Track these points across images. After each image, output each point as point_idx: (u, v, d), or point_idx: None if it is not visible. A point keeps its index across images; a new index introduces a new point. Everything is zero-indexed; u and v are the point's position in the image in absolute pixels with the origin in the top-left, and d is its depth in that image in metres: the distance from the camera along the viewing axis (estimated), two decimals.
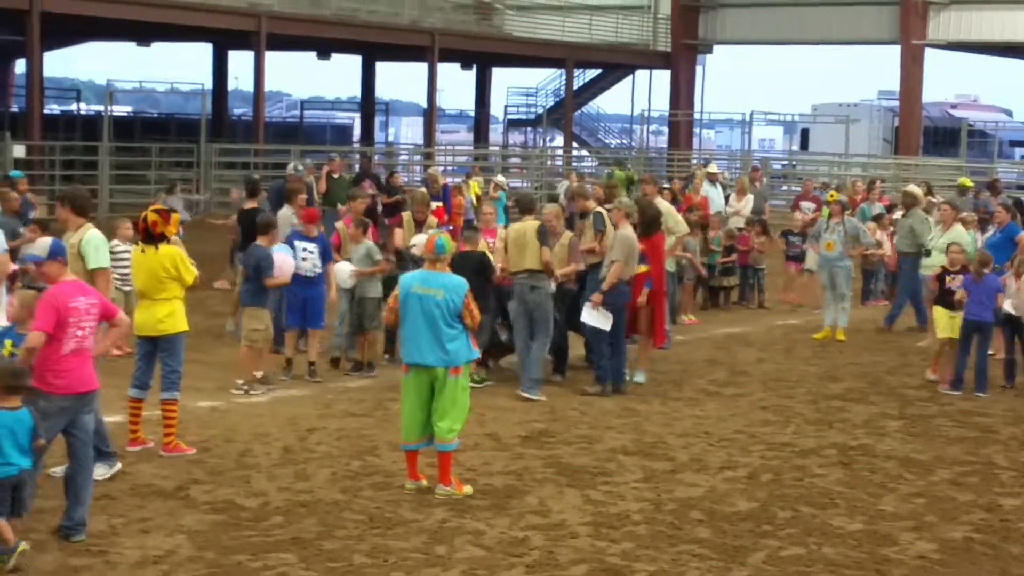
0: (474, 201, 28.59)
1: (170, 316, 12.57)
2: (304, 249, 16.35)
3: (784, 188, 49.02)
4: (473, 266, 15.32)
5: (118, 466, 11.74)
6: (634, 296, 16.34)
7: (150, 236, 12.61)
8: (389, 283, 16.04)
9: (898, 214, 23.35)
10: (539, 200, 25.57)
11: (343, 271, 16.64)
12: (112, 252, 16.99)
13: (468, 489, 11.64)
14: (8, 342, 10.09)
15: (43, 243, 10.29)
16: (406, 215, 18.29)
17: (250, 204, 19.16)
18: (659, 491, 11.89)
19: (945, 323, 17.25)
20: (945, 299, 17.26)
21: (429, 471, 11.80)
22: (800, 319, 22.71)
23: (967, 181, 29.43)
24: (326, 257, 16.53)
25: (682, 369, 17.89)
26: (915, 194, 22.19)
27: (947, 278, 17.38)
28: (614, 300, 15.95)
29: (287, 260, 15.79)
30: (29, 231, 16.96)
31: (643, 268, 16.34)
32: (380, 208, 25.74)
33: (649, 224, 16.71)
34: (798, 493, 11.97)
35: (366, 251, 16.89)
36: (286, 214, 18.27)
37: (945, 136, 61.84)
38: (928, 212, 22.17)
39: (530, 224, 16.19)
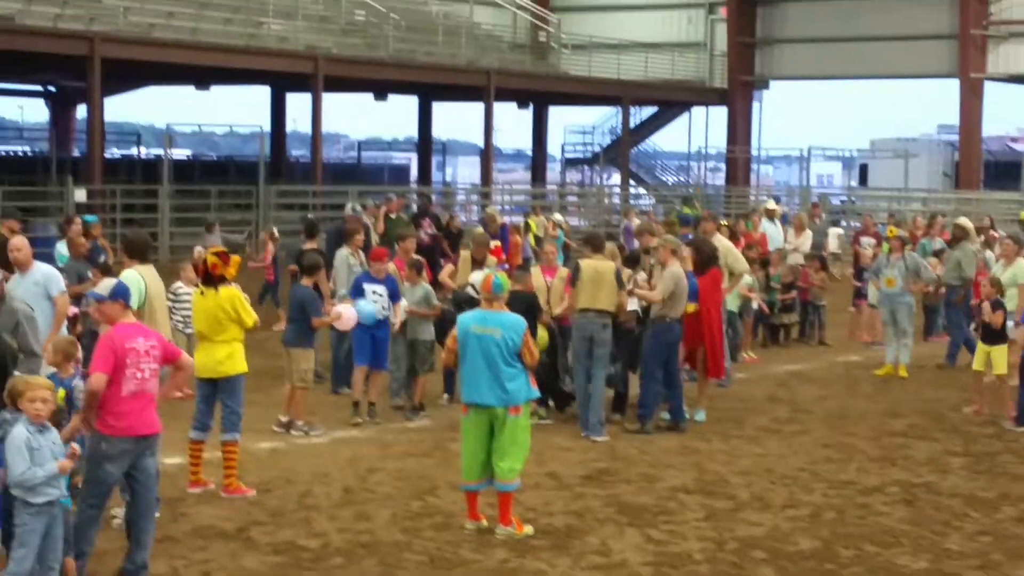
0: (532, 241, 28.59)
1: (230, 358, 12.64)
2: (373, 292, 16.31)
3: (844, 224, 48.75)
4: (522, 306, 15.32)
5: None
6: (686, 336, 16.32)
7: (210, 278, 12.68)
8: (442, 326, 16.06)
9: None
10: None
11: (349, 314, 15.94)
12: (174, 294, 17.22)
13: (529, 529, 11.61)
14: (61, 391, 10.12)
15: (107, 283, 10.37)
16: (464, 254, 18.31)
17: (309, 245, 19.28)
18: (721, 530, 11.82)
19: (980, 356, 17.34)
20: (983, 331, 17.27)
21: (489, 511, 11.78)
22: (861, 356, 22.55)
23: None
24: (395, 298, 16.51)
25: (743, 407, 17.79)
26: (965, 227, 22.08)
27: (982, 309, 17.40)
28: (664, 338, 15.92)
29: (351, 312, 15.77)
30: (93, 275, 17.11)
31: (692, 307, 16.31)
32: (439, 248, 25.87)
33: (705, 262, 16.71)
34: (861, 531, 11.86)
35: (424, 295, 16.87)
36: (343, 255, 18.34)
37: (1006, 170, 61.38)
38: (990, 246, 21.98)
39: (607, 265, 16.18)
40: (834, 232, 31.26)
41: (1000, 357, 17.19)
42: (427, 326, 16.85)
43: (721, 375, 17.37)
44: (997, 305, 17.27)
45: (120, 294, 10.27)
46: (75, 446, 9.37)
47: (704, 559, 10.97)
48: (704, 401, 16.92)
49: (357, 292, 16.21)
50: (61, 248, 19.29)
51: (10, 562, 9.09)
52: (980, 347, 17.39)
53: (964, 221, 23.14)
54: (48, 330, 13.60)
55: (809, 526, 12.02)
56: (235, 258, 13.02)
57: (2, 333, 10.79)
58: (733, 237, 23.67)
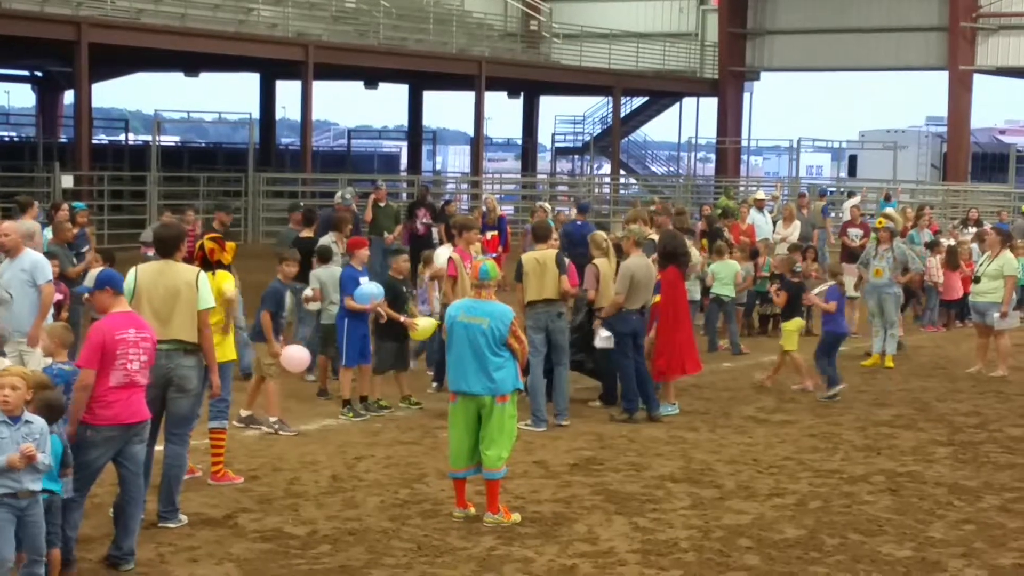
0: None
1: (218, 345, 12.62)
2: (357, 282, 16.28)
3: (832, 215, 48.83)
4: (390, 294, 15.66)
5: None
6: (649, 327, 16.40)
7: (207, 264, 12.61)
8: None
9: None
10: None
11: (293, 357, 15.00)
12: None
13: (516, 517, 11.64)
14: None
15: (93, 274, 10.32)
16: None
17: (306, 233, 19.27)
18: (707, 518, 11.86)
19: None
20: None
21: (477, 499, 11.81)
22: (848, 346, 22.57)
23: None
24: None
25: (730, 396, 17.85)
26: (894, 218, 22.20)
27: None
28: (621, 327, 15.95)
29: (296, 355, 15.01)
30: (93, 260, 17.11)
31: (657, 299, 16.34)
32: (436, 238, 25.78)
33: (666, 257, 16.60)
34: (846, 520, 11.92)
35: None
36: (327, 242, 18.33)
37: (994, 162, 61.56)
38: (982, 239, 22.03)
39: (548, 254, 16.07)
40: (849, 204, 31.16)
41: (789, 332, 18.70)
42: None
43: (669, 378, 16.76)
44: (784, 285, 19.08)
45: (106, 281, 10.20)
46: (29, 445, 8.89)
47: (690, 547, 11.01)
48: (670, 395, 16.79)
49: (352, 285, 16.06)
50: (47, 234, 19.27)
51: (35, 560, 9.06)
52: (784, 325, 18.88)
53: (892, 212, 23.29)
54: (33, 317, 13.64)
55: (795, 514, 12.07)
56: (231, 244, 13.02)
57: None
58: (712, 228, 23.75)
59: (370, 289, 15.86)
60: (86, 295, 10.48)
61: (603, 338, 15.99)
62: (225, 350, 12.61)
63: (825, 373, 18.02)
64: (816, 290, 19.27)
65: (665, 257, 16.53)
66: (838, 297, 18.44)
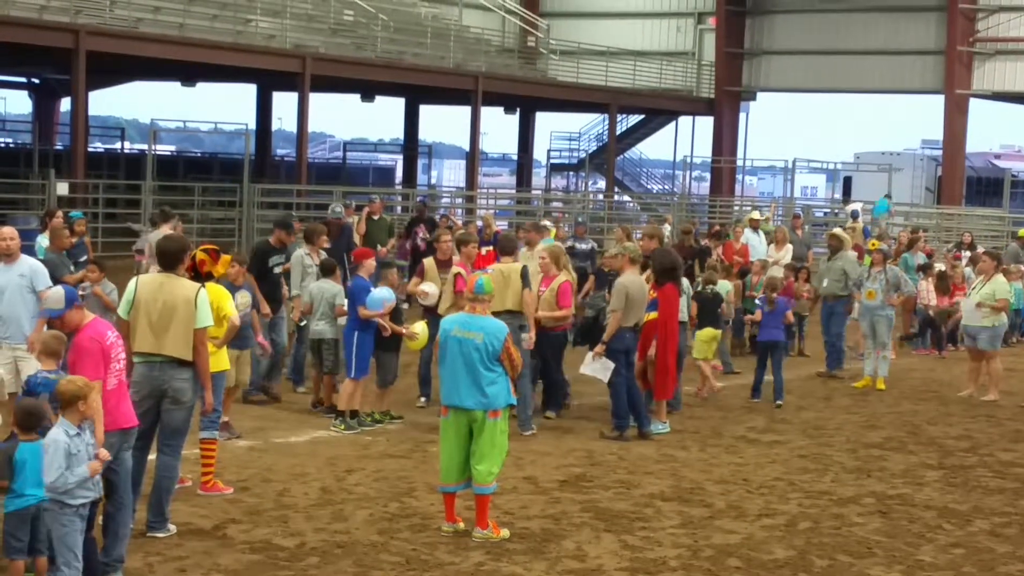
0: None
1: (212, 355, 12.60)
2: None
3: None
4: None
5: None
6: (642, 345, 16.41)
7: (197, 275, 12.59)
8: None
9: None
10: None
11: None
12: None
13: (505, 533, 11.63)
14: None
15: (56, 295, 10.23)
16: (428, 261, 18.05)
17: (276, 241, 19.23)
18: (696, 537, 11.86)
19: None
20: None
21: (467, 514, 11.80)
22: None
23: None
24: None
25: (721, 416, 17.85)
26: (841, 237, 22.39)
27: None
28: (615, 344, 15.99)
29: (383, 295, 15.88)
30: (88, 271, 17.08)
31: (652, 315, 16.37)
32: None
33: (661, 274, 16.61)
34: (836, 542, 11.92)
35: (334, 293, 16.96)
36: (299, 254, 18.29)
37: (988, 186, 61.68)
38: (975, 263, 22.10)
39: (514, 266, 16.27)
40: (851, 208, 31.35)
41: (701, 342, 19.14)
42: (331, 326, 16.73)
43: (668, 396, 16.90)
44: (697, 296, 19.20)
45: (73, 299, 10.18)
46: (103, 451, 9.41)
47: (679, 566, 11.01)
48: (661, 414, 16.80)
49: (364, 296, 15.96)
50: (42, 241, 19.24)
51: (62, 567, 9.20)
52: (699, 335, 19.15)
53: (839, 231, 23.44)
54: (31, 322, 13.63)
55: (784, 535, 12.07)
56: (225, 257, 13.01)
57: None
58: (695, 244, 23.77)
59: (381, 294, 15.98)
60: (56, 318, 10.31)
61: (599, 368, 16.08)
62: (218, 360, 12.61)
63: (780, 385, 19.10)
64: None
65: (662, 274, 16.55)
66: (765, 304, 19.64)
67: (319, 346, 16.76)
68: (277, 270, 17.90)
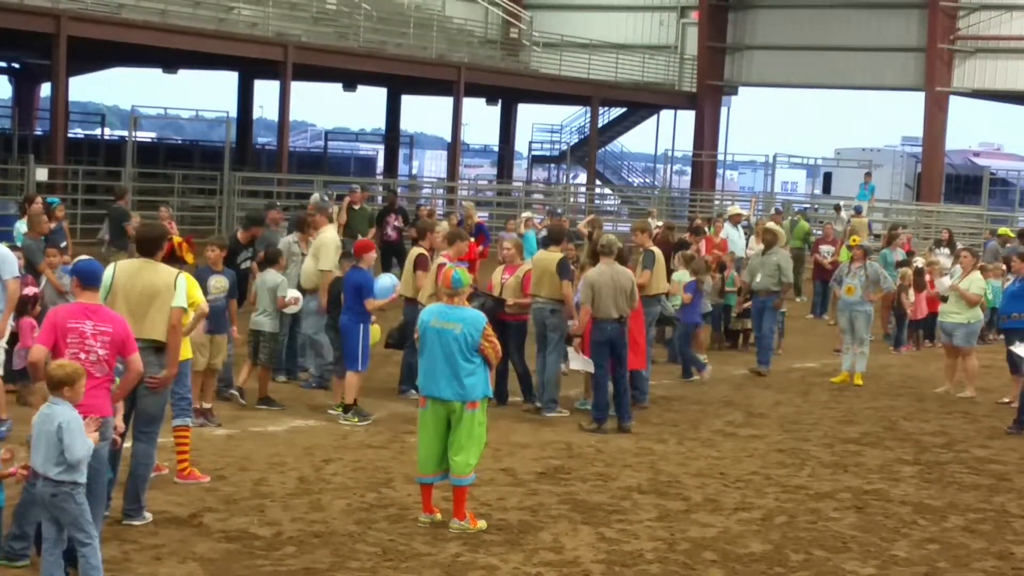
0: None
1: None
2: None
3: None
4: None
5: None
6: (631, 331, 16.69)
7: (174, 259, 12.51)
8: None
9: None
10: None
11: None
12: None
13: (482, 524, 11.65)
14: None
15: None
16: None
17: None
18: (673, 530, 11.89)
19: None
20: None
21: (444, 505, 11.81)
22: (817, 362, 22.69)
23: (1009, 231, 29.47)
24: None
25: (699, 410, 17.89)
26: (776, 232, 22.39)
27: None
28: (596, 336, 16.20)
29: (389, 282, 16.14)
30: (50, 253, 17.01)
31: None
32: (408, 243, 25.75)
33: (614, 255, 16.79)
34: (811, 536, 11.96)
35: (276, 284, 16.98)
36: (287, 241, 18.28)
37: (967, 184, 61.84)
38: (957, 259, 22.14)
39: (552, 256, 17.00)
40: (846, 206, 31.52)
41: None
42: (271, 319, 16.74)
43: (641, 366, 17.38)
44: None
45: (74, 272, 10.19)
46: (97, 419, 9.48)
47: (655, 559, 11.03)
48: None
49: (370, 287, 15.91)
50: (20, 227, 19.20)
51: (86, 543, 9.22)
52: None
53: (773, 226, 23.41)
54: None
55: (760, 529, 12.11)
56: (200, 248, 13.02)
57: None
58: (668, 238, 23.78)
59: (388, 281, 16.14)
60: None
61: (584, 361, 16.49)
62: (184, 348, 12.54)
63: (690, 361, 20.15)
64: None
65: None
66: (695, 291, 20.46)
67: (256, 337, 16.67)
68: (244, 266, 17.95)
